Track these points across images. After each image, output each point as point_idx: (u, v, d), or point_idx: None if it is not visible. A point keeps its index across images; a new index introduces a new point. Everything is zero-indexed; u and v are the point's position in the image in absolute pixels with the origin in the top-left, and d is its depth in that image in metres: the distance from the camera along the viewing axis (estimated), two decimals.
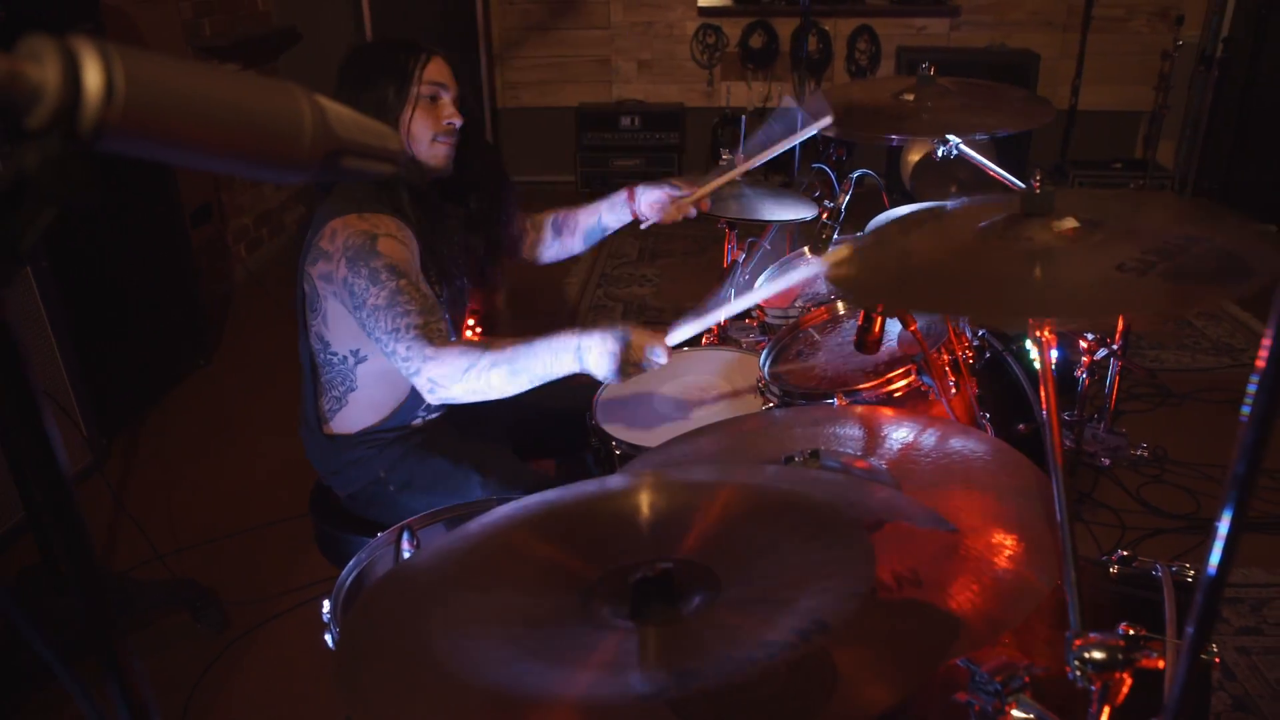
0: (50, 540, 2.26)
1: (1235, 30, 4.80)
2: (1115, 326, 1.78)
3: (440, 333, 1.61)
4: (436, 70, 1.72)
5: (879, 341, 1.47)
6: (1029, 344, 2.16)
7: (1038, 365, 2.34)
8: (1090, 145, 5.33)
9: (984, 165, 2.00)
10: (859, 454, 1.26)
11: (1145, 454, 1.63)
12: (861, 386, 1.48)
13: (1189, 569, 1.42)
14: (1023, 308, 1.00)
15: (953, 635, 0.73)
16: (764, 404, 1.66)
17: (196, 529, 2.68)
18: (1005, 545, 1.08)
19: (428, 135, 1.73)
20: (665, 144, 5.75)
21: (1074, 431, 1.69)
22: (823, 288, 2.15)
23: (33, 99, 0.45)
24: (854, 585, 0.80)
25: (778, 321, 2.01)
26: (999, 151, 2.02)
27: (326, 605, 1.34)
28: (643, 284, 4.53)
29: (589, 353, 1.58)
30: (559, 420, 2.09)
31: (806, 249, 2.10)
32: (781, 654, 0.70)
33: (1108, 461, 1.70)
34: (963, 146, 1.93)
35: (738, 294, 2.23)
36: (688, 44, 5.80)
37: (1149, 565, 1.41)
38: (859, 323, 1.46)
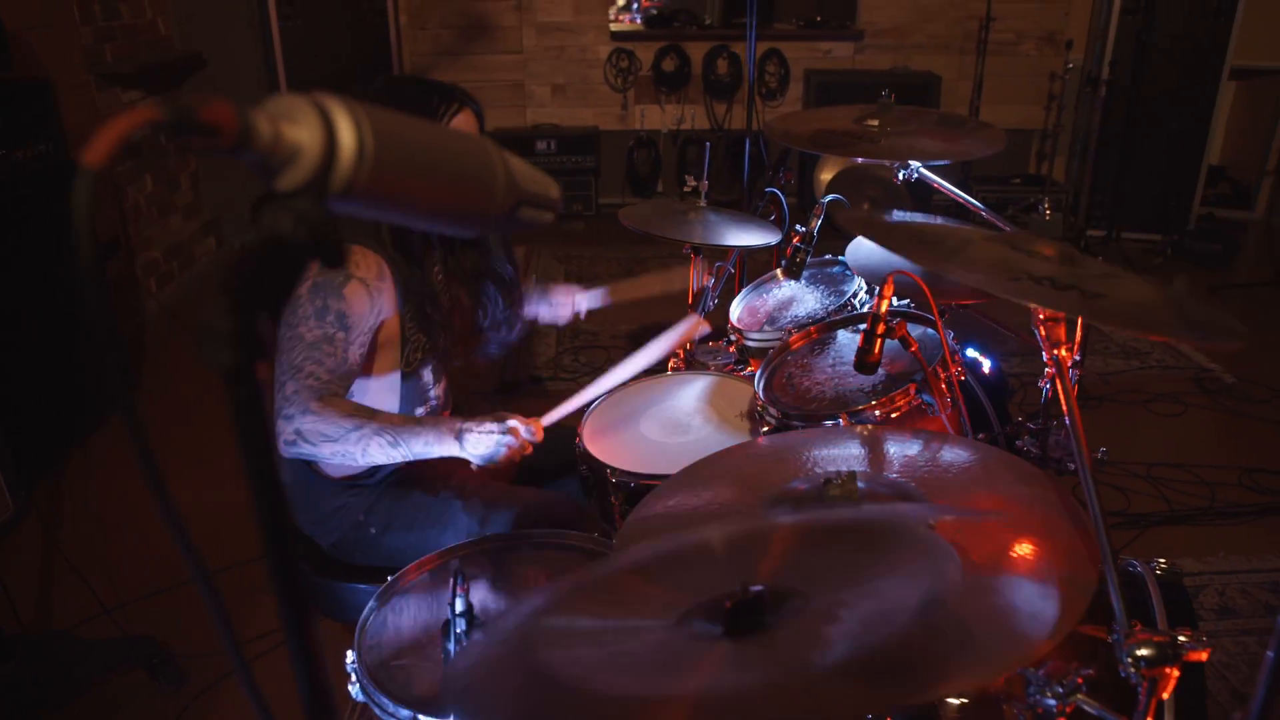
0: None
1: (1119, 53, 5.13)
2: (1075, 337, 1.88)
3: (335, 398, 1.58)
4: (464, 121, 1.68)
5: (879, 362, 1.51)
6: (975, 354, 2.26)
7: (986, 374, 2.44)
8: (989, 161, 5.56)
9: (943, 187, 2.09)
10: (881, 472, 1.30)
11: (1104, 456, 1.73)
12: (865, 407, 1.53)
13: (1162, 563, 1.52)
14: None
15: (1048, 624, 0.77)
16: (757, 427, 1.69)
17: (140, 580, 2.54)
18: (1040, 551, 1.13)
19: None
20: (581, 167, 5.77)
21: (1039, 439, 1.78)
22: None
23: (289, 160, 0.44)
24: (946, 580, 0.83)
25: (756, 345, 2.05)
26: None
27: (350, 656, 1.30)
28: None
29: (470, 436, 1.61)
30: (541, 449, 2.08)
31: (779, 271, 2.14)
32: (905, 623, 0.72)
33: (1074, 466, 1.79)
34: (923, 170, 2.02)
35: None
36: (601, 68, 5.85)
37: (1125, 562, 1.50)
38: (859, 344, 1.51)
